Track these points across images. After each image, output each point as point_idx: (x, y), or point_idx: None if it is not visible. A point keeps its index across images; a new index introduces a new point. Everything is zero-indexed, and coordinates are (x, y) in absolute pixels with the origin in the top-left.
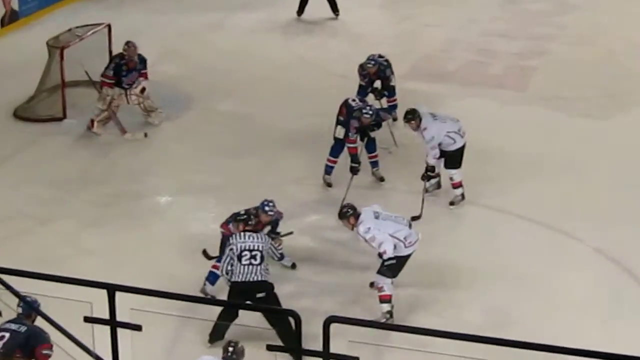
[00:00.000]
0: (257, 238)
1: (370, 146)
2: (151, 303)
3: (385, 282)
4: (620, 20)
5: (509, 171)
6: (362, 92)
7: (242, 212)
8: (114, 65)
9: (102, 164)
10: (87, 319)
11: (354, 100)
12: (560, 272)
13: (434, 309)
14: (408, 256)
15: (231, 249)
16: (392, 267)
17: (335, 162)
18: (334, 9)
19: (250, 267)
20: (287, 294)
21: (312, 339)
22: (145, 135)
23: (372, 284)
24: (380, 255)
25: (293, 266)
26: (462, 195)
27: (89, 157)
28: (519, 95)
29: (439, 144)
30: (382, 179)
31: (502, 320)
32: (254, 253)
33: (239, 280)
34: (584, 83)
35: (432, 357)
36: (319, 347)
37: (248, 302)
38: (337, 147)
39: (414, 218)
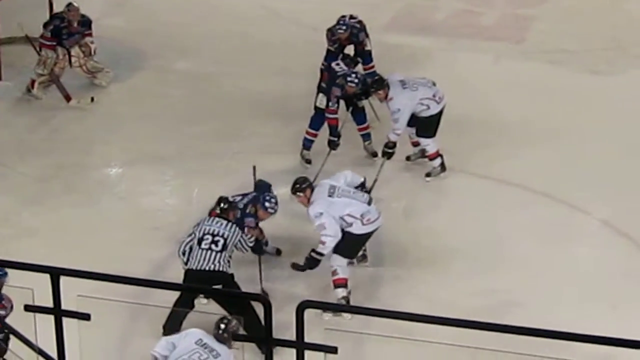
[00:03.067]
0: (226, 226)
1: (359, 117)
2: (101, 289)
3: (338, 264)
4: None
5: (504, 135)
6: (331, 58)
7: (233, 199)
8: (52, 27)
9: (43, 131)
10: (28, 308)
11: (337, 64)
12: (564, 248)
13: (423, 293)
14: (367, 235)
15: (193, 232)
16: (348, 246)
17: (315, 136)
18: None
19: (209, 252)
20: (253, 277)
21: (283, 328)
22: (92, 99)
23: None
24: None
25: (278, 252)
26: (442, 166)
27: (28, 124)
28: (516, 49)
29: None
30: (374, 154)
31: (500, 304)
32: (216, 238)
33: (194, 267)
34: (589, 33)
35: (421, 346)
36: (291, 336)
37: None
38: (318, 118)
39: None
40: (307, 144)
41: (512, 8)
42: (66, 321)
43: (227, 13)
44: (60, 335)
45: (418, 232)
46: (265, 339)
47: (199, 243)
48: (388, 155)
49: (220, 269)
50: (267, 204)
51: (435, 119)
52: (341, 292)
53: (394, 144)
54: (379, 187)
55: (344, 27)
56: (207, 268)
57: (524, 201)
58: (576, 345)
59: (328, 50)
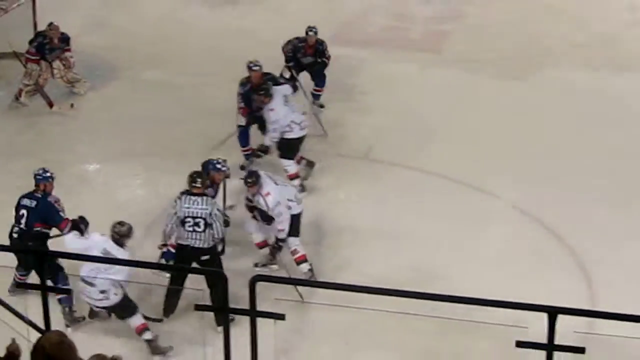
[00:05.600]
0: (201, 203)
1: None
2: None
3: (296, 244)
4: None
5: (427, 132)
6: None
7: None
8: (36, 44)
9: (29, 133)
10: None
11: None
12: (479, 228)
13: (358, 268)
14: (300, 213)
15: (175, 213)
16: (294, 226)
17: (248, 150)
18: None
19: (194, 233)
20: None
21: (241, 299)
22: (72, 105)
23: (256, 264)
24: (277, 236)
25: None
26: (302, 186)
27: (17, 127)
28: (437, 58)
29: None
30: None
31: (425, 277)
32: (197, 220)
33: (183, 243)
34: (498, 45)
35: (357, 313)
36: (246, 306)
37: (194, 263)
38: (242, 135)
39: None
40: (247, 158)
41: (433, 24)
42: (52, 296)
43: (189, 30)
44: (46, 308)
45: (353, 217)
46: (221, 308)
47: (182, 225)
48: (257, 156)
49: (206, 246)
50: (218, 166)
51: (296, 143)
52: (306, 266)
53: (267, 148)
54: (319, 178)
55: (315, 31)
56: (195, 245)
57: (445, 188)
58: (491, 310)
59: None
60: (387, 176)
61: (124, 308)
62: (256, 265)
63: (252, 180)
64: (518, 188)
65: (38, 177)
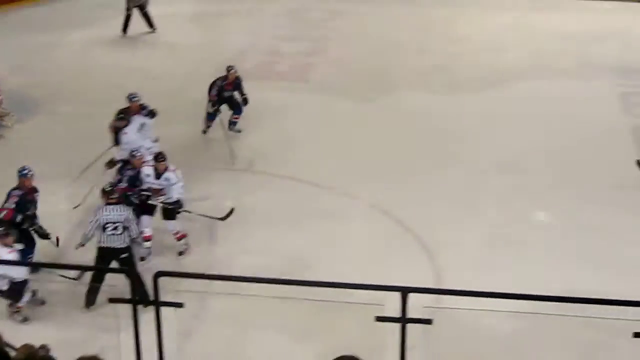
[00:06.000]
0: (119, 210)
1: None
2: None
3: (177, 227)
4: (380, 23)
5: (299, 147)
6: (211, 116)
7: (107, 185)
8: None
9: None
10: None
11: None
12: (343, 225)
13: (245, 260)
14: None
15: (97, 220)
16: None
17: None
18: (150, 25)
19: (114, 236)
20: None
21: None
22: (1, 136)
23: (142, 258)
24: (170, 202)
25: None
26: None
27: None
28: (304, 86)
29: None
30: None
31: (300, 266)
32: (116, 225)
33: (104, 245)
34: (354, 74)
35: (246, 300)
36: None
37: (114, 261)
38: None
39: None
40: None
41: (300, 58)
42: None
43: (98, 70)
44: None
45: (239, 219)
46: (130, 300)
47: (104, 230)
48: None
49: (124, 245)
50: (134, 152)
51: None
52: (184, 241)
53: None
54: (210, 188)
55: (235, 69)
56: (115, 246)
57: (314, 192)
58: (355, 292)
59: (207, 111)
60: (265, 184)
61: (9, 295)
62: (142, 259)
63: (163, 157)
64: (375, 190)
65: (18, 173)
